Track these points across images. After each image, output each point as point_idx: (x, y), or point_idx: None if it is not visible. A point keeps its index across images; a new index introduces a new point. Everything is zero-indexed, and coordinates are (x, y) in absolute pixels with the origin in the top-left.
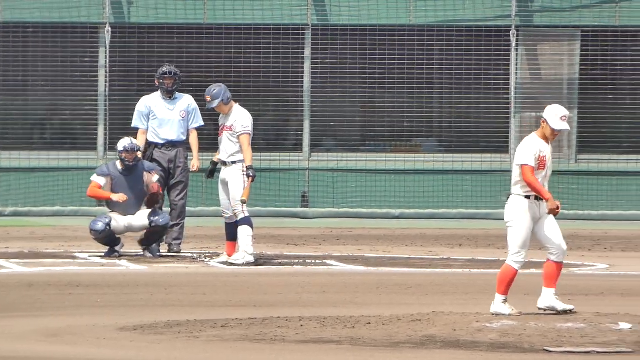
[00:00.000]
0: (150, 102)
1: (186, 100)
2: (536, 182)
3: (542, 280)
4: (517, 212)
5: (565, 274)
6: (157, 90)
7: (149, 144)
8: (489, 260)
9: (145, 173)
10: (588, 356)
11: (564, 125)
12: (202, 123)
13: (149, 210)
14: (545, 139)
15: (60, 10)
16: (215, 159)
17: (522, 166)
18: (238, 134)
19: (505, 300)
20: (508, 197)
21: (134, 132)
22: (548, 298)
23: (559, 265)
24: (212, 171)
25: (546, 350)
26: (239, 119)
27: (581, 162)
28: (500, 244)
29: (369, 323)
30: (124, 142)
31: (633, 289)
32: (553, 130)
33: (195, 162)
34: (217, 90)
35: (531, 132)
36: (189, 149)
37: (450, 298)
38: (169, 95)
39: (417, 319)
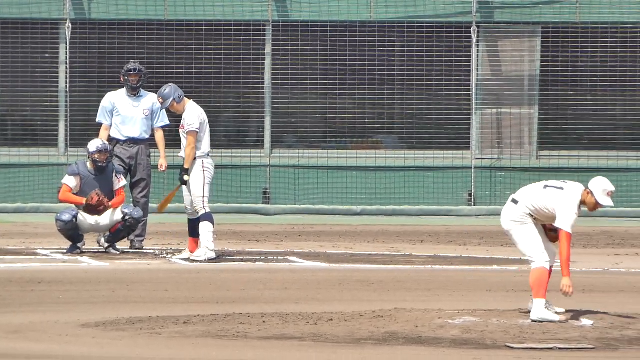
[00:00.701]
0: (115, 99)
1: (151, 99)
2: (568, 253)
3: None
4: (522, 219)
5: (526, 270)
6: (122, 87)
7: (111, 140)
8: (451, 257)
9: (114, 175)
10: (550, 352)
11: (609, 202)
12: (168, 122)
13: (118, 209)
14: (583, 203)
15: (20, 6)
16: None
17: (563, 231)
18: (186, 132)
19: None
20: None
21: (94, 129)
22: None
23: (550, 270)
24: (182, 179)
25: (508, 347)
26: (187, 116)
27: (542, 158)
28: (462, 240)
29: (331, 319)
30: (96, 143)
31: (594, 285)
32: (597, 203)
33: (162, 161)
34: (167, 90)
35: (578, 189)
36: (153, 146)
37: (412, 294)
38: (134, 92)
39: (379, 316)
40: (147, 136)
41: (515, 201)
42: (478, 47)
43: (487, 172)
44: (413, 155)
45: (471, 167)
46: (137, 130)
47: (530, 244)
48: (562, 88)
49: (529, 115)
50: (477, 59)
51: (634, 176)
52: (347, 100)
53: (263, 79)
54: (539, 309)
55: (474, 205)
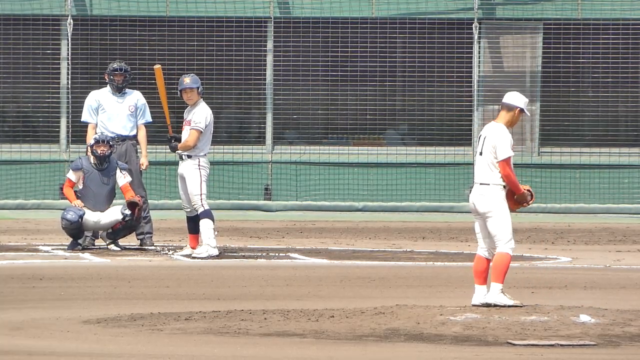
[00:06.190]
0: (99, 96)
1: (135, 96)
2: (514, 176)
3: (476, 277)
4: (498, 200)
5: (528, 267)
6: (106, 86)
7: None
8: (452, 253)
9: (118, 171)
10: (552, 349)
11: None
12: (150, 120)
13: (119, 207)
14: (512, 125)
15: (22, 2)
16: (170, 134)
17: (507, 159)
18: (190, 128)
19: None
20: (473, 188)
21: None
22: (492, 292)
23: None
24: (174, 147)
25: (510, 343)
26: (197, 113)
27: (544, 155)
28: (464, 236)
29: (333, 316)
30: (94, 135)
31: (596, 282)
32: (524, 113)
33: (143, 160)
34: (196, 78)
35: (498, 125)
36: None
37: (413, 291)
38: (118, 91)
39: (380, 312)
40: (134, 132)
41: (484, 184)
42: (480, 44)
43: None
44: (414, 152)
45: (473, 164)
46: (123, 126)
47: (504, 226)
48: (563, 84)
49: (530, 112)
50: (479, 55)
51: (635, 172)
52: (348, 97)
53: (264, 75)
54: (495, 293)
55: None
